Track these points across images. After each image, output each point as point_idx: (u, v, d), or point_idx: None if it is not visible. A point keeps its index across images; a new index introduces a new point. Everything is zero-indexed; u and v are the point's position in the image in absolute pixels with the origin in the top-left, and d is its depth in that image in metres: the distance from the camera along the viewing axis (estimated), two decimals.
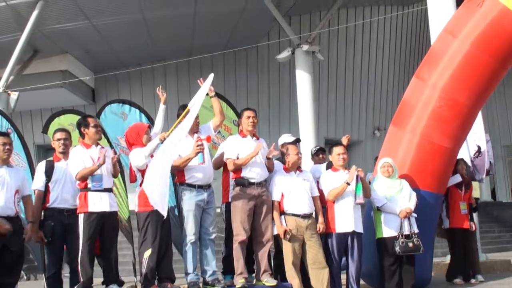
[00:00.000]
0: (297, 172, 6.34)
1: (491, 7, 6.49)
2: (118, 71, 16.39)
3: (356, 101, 19.12)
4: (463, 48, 6.65)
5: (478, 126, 9.69)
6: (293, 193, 6.22)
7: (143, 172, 5.78)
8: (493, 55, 6.59)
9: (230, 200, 6.33)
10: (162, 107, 6.37)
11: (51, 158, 6.22)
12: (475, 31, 6.60)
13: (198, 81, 6.28)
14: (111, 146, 8.12)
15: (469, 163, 9.02)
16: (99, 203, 5.75)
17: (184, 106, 6.13)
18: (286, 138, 6.88)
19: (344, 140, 7.04)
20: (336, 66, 18.57)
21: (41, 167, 6.15)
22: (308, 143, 13.02)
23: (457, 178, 7.55)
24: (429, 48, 7.24)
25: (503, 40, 6.52)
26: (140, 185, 5.82)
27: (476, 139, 9.65)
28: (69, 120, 7.87)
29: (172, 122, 6.00)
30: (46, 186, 6.04)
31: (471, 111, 6.87)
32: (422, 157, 6.78)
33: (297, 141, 6.80)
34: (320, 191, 6.54)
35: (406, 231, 6.47)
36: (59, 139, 6.19)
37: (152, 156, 5.89)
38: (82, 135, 6.02)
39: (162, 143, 5.73)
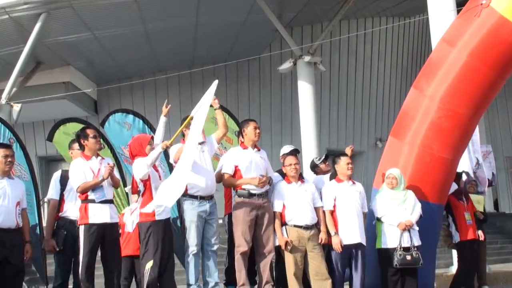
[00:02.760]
0: (299, 182, 6.33)
1: (488, 17, 6.49)
2: (120, 83, 16.44)
3: (358, 111, 19.12)
4: (461, 59, 6.64)
5: (475, 138, 9.71)
6: (294, 204, 6.21)
7: (145, 182, 5.78)
8: (491, 65, 6.59)
9: (232, 211, 6.33)
10: (163, 119, 6.28)
11: (66, 168, 6.25)
12: (472, 41, 6.59)
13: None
14: (115, 156, 8.14)
15: (472, 175, 9.02)
16: (99, 214, 5.74)
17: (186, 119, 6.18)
18: (286, 149, 6.89)
19: (348, 151, 7.03)
20: (338, 77, 18.59)
21: (56, 176, 6.19)
22: (310, 154, 13.02)
23: (453, 187, 7.53)
24: (427, 58, 7.23)
25: (501, 50, 6.52)
26: (143, 195, 5.82)
27: (475, 151, 9.67)
28: (73, 128, 7.90)
29: (173, 134, 6.01)
30: (61, 196, 6.07)
31: (470, 121, 6.86)
32: (422, 168, 6.76)
33: (295, 152, 6.78)
34: None
35: (405, 244, 6.40)
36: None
37: (154, 166, 5.91)
38: (82, 146, 6.02)
39: (163, 151, 5.75)
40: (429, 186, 6.76)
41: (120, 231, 6.57)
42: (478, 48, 6.55)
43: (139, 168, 5.80)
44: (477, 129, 9.94)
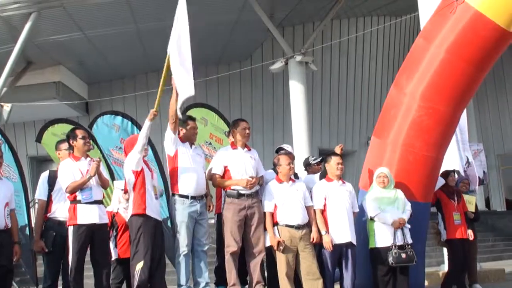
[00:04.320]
0: (290, 182, 6.33)
1: (464, 12, 6.49)
2: (112, 83, 16.41)
3: (350, 111, 19.16)
4: (439, 55, 6.65)
5: (465, 137, 9.74)
6: (286, 203, 6.20)
7: (137, 174, 5.76)
8: (469, 60, 6.59)
9: (221, 211, 6.32)
10: (147, 123, 5.84)
11: (54, 169, 6.23)
12: (449, 38, 6.59)
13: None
14: (104, 158, 8.11)
15: (463, 174, 9.04)
16: (88, 215, 5.72)
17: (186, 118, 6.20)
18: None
19: (338, 150, 7.03)
20: (330, 77, 18.62)
21: (44, 177, 6.17)
22: (302, 153, 13.01)
23: (440, 181, 7.54)
24: (406, 56, 7.23)
25: (478, 44, 6.52)
26: (133, 189, 5.79)
27: (465, 150, 9.69)
28: (62, 130, 7.88)
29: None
30: (49, 196, 6.05)
31: (452, 118, 6.87)
32: (406, 168, 6.76)
33: (289, 153, 6.78)
34: None
35: (399, 242, 6.44)
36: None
37: (147, 165, 5.90)
38: (71, 147, 6.00)
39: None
40: (414, 185, 6.76)
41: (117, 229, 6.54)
42: (455, 44, 6.56)
43: (131, 158, 5.78)
44: (466, 127, 9.99)
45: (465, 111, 10.02)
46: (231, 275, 6.03)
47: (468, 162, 9.73)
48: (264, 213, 6.20)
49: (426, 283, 7.73)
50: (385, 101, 7.18)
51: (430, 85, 6.68)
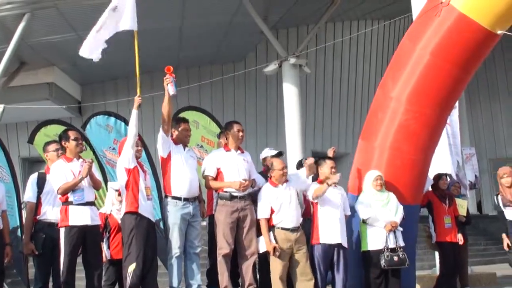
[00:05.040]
0: (284, 184, 6.31)
1: (448, 14, 6.51)
2: (105, 84, 16.37)
3: (343, 114, 19.19)
4: (424, 58, 6.67)
5: (457, 141, 9.78)
6: (282, 207, 6.18)
7: (130, 172, 5.75)
8: (454, 62, 6.60)
9: (213, 212, 6.32)
10: (134, 112, 5.89)
11: (43, 170, 6.20)
12: (434, 40, 6.61)
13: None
14: (97, 159, 8.09)
15: (455, 177, 9.08)
16: (80, 216, 5.70)
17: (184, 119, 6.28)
18: (269, 152, 6.87)
19: (330, 153, 7.03)
20: (324, 79, 18.65)
21: (33, 179, 6.13)
22: (295, 156, 13.02)
23: (429, 182, 7.56)
24: (391, 58, 7.25)
25: (462, 46, 6.54)
26: (126, 188, 5.78)
27: (456, 154, 9.74)
28: (54, 131, 7.86)
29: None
30: (38, 199, 6.01)
31: (438, 120, 6.89)
32: (394, 171, 6.77)
33: (279, 154, 6.76)
34: (307, 202, 6.54)
35: (392, 245, 6.45)
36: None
37: (141, 166, 5.89)
38: (63, 148, 5.98)
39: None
40: (402, 188, 6.77)
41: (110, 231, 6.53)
42: (440, 46, 6.58)
43: (123, 155, 5.79)
44: (458, 132, 10.04)
45: (457, 115, 10.12)
46: (223, 277, 6.02)
47: (459, 166, 9.79)
48: (260, 219, 6.17)
49: (418, 286, 7.76)
50: (372, 104, 7.20)
51: (415, 88, 6.70)
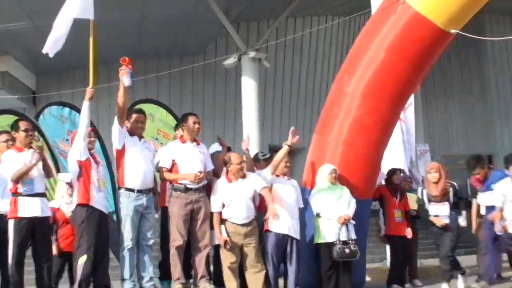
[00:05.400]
0: (240, 179, 6.32)
1: (404, 13, 6.64)
2: (61, 74, 16.06)
3: (301, 108, 19.32)
4: (379, 55, 6.79)
5: (411, 138, 9.97)
6: (234, 202, 6.20)
7: (82, 164, 5.69)
8: (408, 60, 6.73)
9: (166, 204, 6.30)
10: (86, 104, 5.86)
11: None
12: (389, 37, 6.73)
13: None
14: (50, 150, 7.97)
15: (407, 173, 9.25)
16: (29, 208, 5.62)
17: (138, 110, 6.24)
18: (217, 147, 6.87)
19: (292, 137, 6.87)
20: (283, 74, 18.73)
21: None
22: (252, 150, 13.03)
23: (382, 176, 7.71)
24: (348, 54, 7.35)
25: (416, 44, 6.68)
26: (78, 180, 5.71)
27: (410, 150, 9.93)
28: (7, 121, 7.71)
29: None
30: None
31: (391, 117, 7.03)
32: (347, 166, 6.88)
33: (228, 150, 6.76)
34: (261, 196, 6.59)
35: (344, 237, 6.56)
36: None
37: (94, 158, 5.83)
38: (13, 139, 5.89)
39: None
40: (355, 182, 6.88)
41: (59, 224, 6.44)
42: (395, 44, 6.71)
43: (74, 146, 5.72)
44: (413, 128, 10.23)
45: (413, 112, 10.31)
46: (176, 269, 6.02)
47: (412, 162, 9.98)
48: (212, 213, 6.20)
49: (368, 278, 7.90)
50: (327, 98, 7.29)
51: (370, 84, 6.82)
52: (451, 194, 7.36)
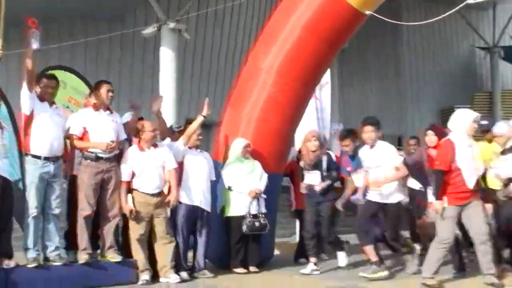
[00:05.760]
0: (152, 148, 6.27)
1: None
2: None
3: (220, 83, 19.22)
4: (295, 31, 6.90)
5: (326, 116, 10.16)
6: (145, 171, 6.19)
7: None
8: (322, 38, 6.89)
9: (75, 172, 6.15)
10: None
11: None
12: (305, 15, 6.86)
13: None
14: None
15: None
16: None
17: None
18: (129, 116, 6.74)
19: (205, 107, 6.85)
20: (203, 47, 18.54)
21: None
22: (169, 123, 12.90)
23: (292, 152, 7.80)
24: (264, 29, 7.39)
25: (331, 23, 6.84)
26: None
27: (324, 128, 10.11)
28: None
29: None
30: None
31: (305, 93, 7.19)
32: (260, 141, 6.99)
33: (141, 119, 6.66)
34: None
35: (254, 211, 6.67)
36: None
37: None
38: None
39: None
40: (267, 157, 7.00)
41: None
42: (310, 22, 6.84)
43: None
44: (328, 107, 10.43)
45: (329, 91, 10.51)
46: (83, 239, 5.94)
47: (325, 140, 10.15)
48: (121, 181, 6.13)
49: (277, 251, 8.06)
50: (242, 73, 7.33)
51: (285, 61, 6.91)
52: (324, 163, 6.95)
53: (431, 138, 6.27)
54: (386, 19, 7.13)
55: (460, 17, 19.77)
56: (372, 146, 6.38)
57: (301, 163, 7.05)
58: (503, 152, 6.21)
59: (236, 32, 19.34)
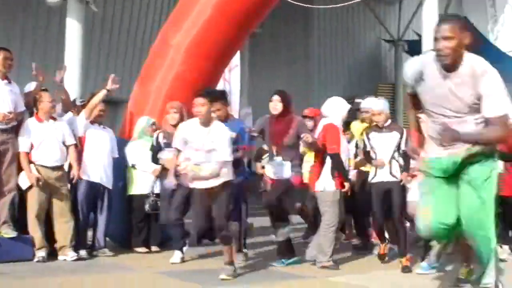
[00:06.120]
0: (51, 121, 6.06)
1: None
2: None
3: (129, 59, 18.79)
4: (206, 11, 6.91)
5: (235, 98, 10.20)
6: (44, 143, 5.98)
7: None
8: (231, 19, 6.93)
9: None
10: None
11: None
12: None
13: None
14: None
15: None
16: None
17: None
18: (32, 85, 6.45)
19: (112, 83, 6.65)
20: (112, 20, 18.04)
21: None
22: (73, 96, 12.49)
23: None
24: (175, 7, 7.33)
25: (242, 4, 6.89)
26: None
27: (232, 111, 10.16)
28: None
29: None
30: None
31: (214, 73, 7.21)
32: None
33: (44, 90, 6.40)
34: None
35: (157, 190, 6.59)
36: None
37: None
38: None
39: None
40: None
41: None
42: (222, 2, 6.85)
43: None
44: (237, 90, 10.47)
45: (238, 74, 10.54)
46: None
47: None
48: (19, 152, 5.87)
49: None
50: (151, 49, 7.24)
51: (195, 40, 6.90)
52: None
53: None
54: (296, 3, 7.25)
55: (369, 10, 20.41)
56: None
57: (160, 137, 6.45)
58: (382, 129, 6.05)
59: (147, 7, 18.97)
